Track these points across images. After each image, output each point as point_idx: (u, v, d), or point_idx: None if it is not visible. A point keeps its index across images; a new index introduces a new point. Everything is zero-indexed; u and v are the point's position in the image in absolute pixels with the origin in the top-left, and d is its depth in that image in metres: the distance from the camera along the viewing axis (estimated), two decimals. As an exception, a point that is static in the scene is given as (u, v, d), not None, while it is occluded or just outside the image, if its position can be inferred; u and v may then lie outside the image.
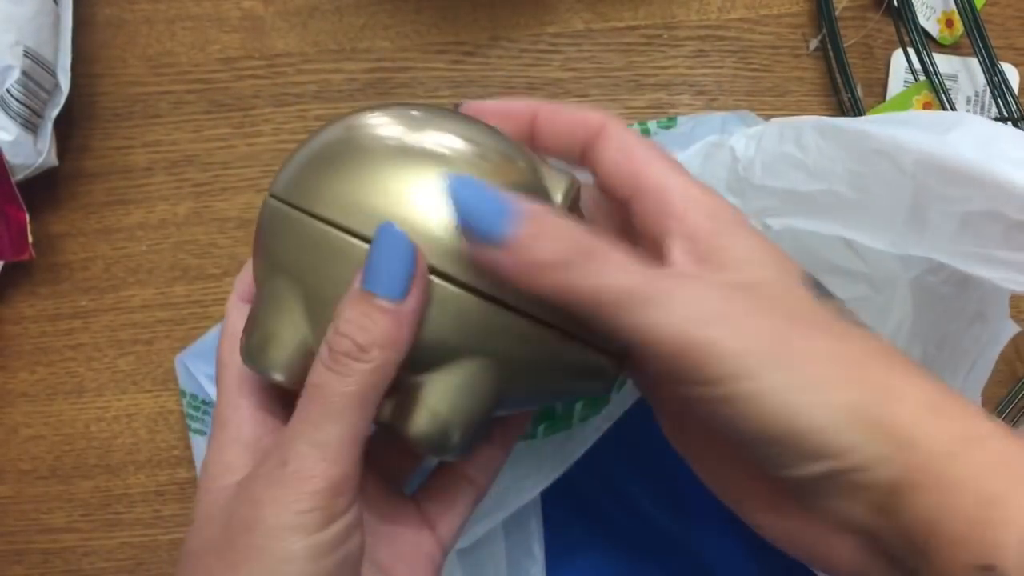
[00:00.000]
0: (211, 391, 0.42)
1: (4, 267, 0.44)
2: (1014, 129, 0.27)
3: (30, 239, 0.43)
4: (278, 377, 0.25)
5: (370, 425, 0.24)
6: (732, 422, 0.22)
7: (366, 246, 0.23)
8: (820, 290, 0.24)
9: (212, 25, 0.46)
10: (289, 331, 0.25)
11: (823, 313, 0.23)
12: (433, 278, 0.24)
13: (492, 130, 0.26)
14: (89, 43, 0.46)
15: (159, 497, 0.45)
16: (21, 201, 0.42)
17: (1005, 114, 0.43)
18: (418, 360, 0.24)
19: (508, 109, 0.27)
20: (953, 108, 0.43)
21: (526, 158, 0.25)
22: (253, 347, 0.26)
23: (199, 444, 0.42)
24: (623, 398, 0.35)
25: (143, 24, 0.46)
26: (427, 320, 0.24)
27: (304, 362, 0.24)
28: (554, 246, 0.22)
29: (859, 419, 0.21)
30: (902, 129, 0.28)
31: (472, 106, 0.27)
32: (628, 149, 0.25)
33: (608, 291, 0.22)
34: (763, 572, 0.42)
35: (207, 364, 0.42)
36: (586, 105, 0.26)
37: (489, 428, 0.28)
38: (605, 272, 0.22)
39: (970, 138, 0.27)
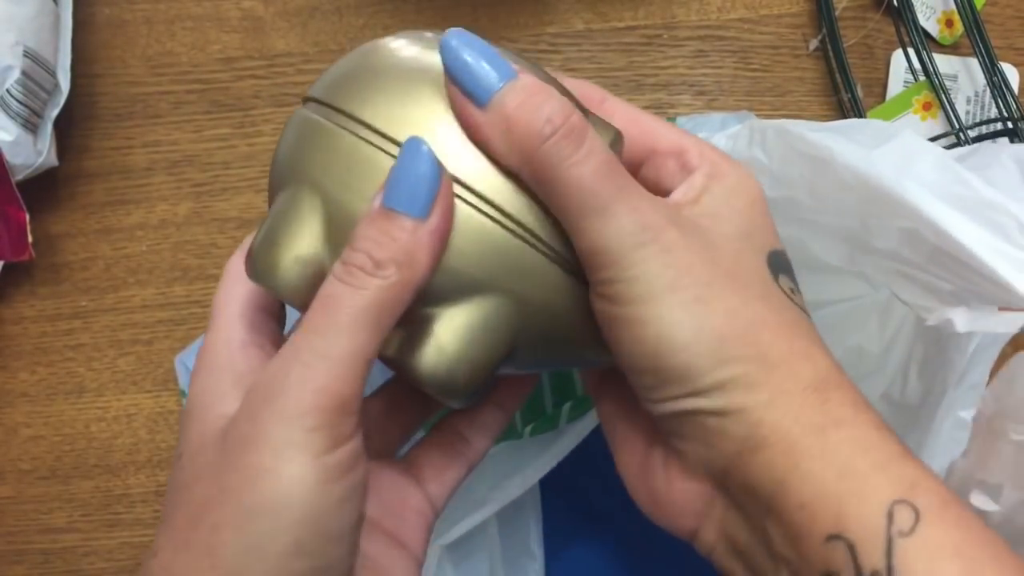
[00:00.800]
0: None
1: (4, 267, 0.44)
2: (941, 152, 0.27)
3: (30, 239, 0.43)
4: (287, 292, 0.23)
5: (378, 348, 0.22)
6: (621, 342, 0.23)
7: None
8: (781, 271, 0.25)
9: (212, 25, 0.46)
10: (305, 244, 0.23)
11: (762, 283, 0.24)
12: (463, 204, 0.23)
13: (543, 71, 0.25)
14: (89, 43, 0.46)
15: (159, 497, 0.45)
16: (21, 201, 0.42)
17: (1005, 114, 0.43)
18: (435, 290, 0.23)
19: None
20: (953, 108, 0.43)
21: (576, 102, 0.25)
22: (263, 259, 0.24)
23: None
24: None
25: (143, 24, 0.46)
26: (450, 247, 0.23)
27: (317, 283, 0.23)
28: (536, 116, 0.22)
29: (734, 371, 0.22)
30: (840, 139, 0.28)
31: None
32: (634, 116, 0.26)
33: (569, 185, 0.22)
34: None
35: (207, 364, 0.42)
36: (582, 79, 0.26)
37: (494, 384, 0.27)
38: (574, 162, 0.22)
39: (893, 156, 0.27)
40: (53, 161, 0.43)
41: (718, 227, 0.24)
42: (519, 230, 0.23)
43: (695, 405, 0.22)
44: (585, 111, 0.25)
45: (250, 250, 0.24)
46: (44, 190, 0.45)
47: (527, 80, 0.23)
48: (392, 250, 0.22)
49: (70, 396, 0.45)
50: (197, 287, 0.45)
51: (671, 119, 0.42)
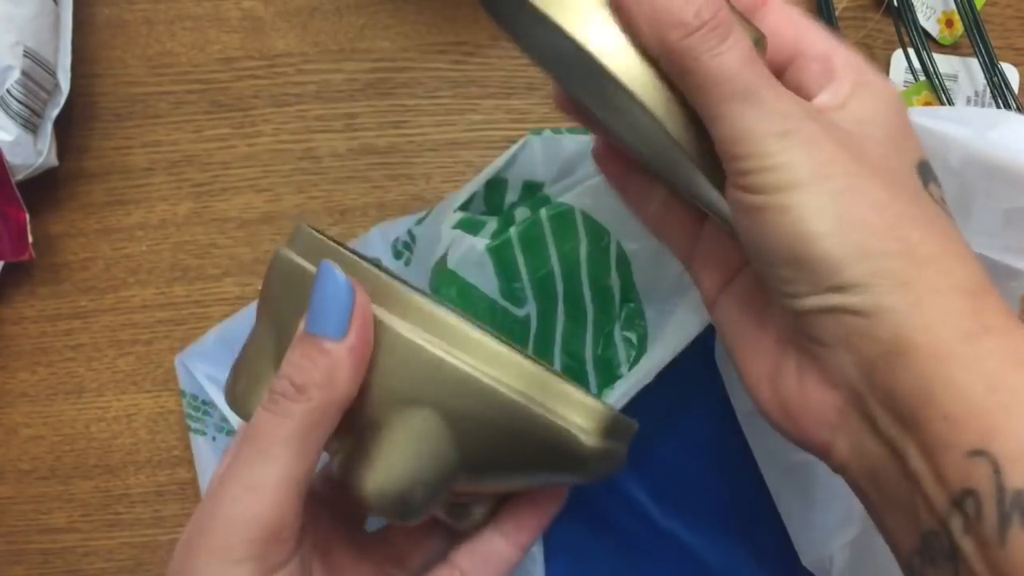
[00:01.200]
0: (211, 391, 0.42)
1: (4, 267, 0.44)
2: None
3: (30, 239, 0.43)
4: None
5: (312, 470, 0.23)
6: (761, 235, 0.22)
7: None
8: (931, 179, 0.24)
9: (212, 25, 0.46)
10: (265, 370, 0.24)
11: (912, 186, 0.23)
12: (383, 320, 0.23)
13: None
14: (89, 43, 0.46)
15: (159, 497, 0.45)
16: (21, 201, 0.42)
17: (1005, 114, 0.43)
18: (365, 409, 0.23)
19: None
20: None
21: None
22: (237, 391, 0.25)
23: (199, 444, 0.42)
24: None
25: (143, 24, 0.46)
26: (375, 365, 0.23)
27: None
28: (686, 7, 0.22)
29: (880, 266, 0.21)
30: (950, 125, 0.28)
31: None
32: (791, 16, 0.26)
33: (711, 74, 0.22)
34: (762, 573, 0.42)
35: (207, 364, 0.42)
36: None
37: (451, 494, 0.26)
38: (717, 52, 0.22)
39: (1015, 136, 0.27)
40: (53, 161, 0.43)
41: (865, 131, 0.23)
42: (445, 347, 0.23)
43: (836, 302, 0.21)
44: (732, 7, 0.25)
45: (226, 385, 0.26)
46: (44, 190, 0.45)
47: None
48: (312, 374, 0.22)
49: (70, 396, 0.45)
50: (197, 287, 0.45)
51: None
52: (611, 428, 0.25)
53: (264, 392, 0.24)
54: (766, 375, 0.25)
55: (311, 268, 0.24)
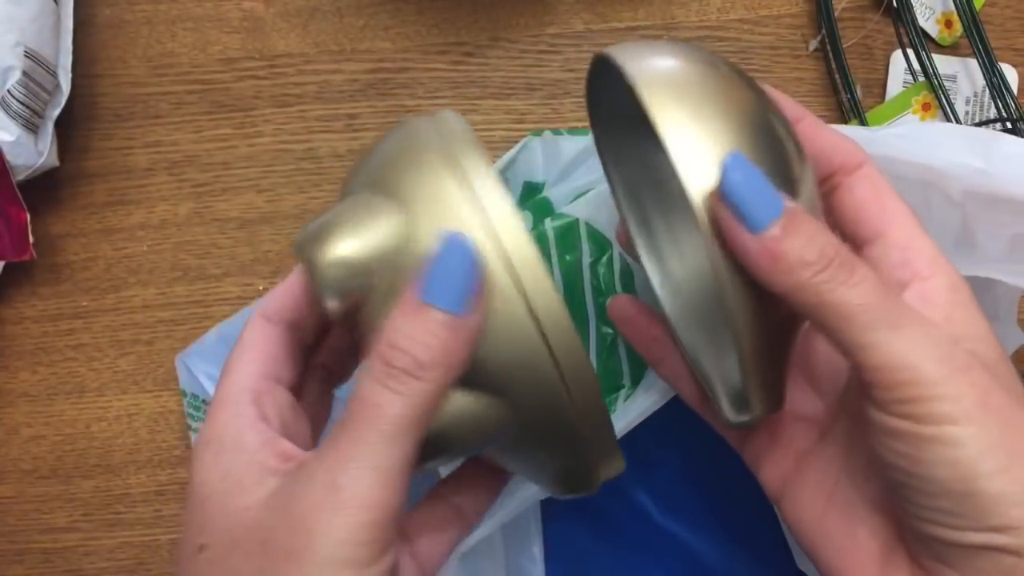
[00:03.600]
0: (212, 391, 0.42)
1: (5, 267, 0.44)
2: None
3: (31, 239, 0.43)
4: (320, 287, 0.22)
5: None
6: (924, 463, 0.22)
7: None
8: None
9: (213, 26, 0.46)
10: (362, 250, 0.22)
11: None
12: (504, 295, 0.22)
13: (780, 118, 0.25)
14: (90, 44, 0.46)
15: (160, 497, 0.45)
16: (22, 201, 0.43)
17: (1004, 115, 0.43)
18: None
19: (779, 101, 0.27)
20: (952, 109, 0.43)
21: (795, 141, 0.25)
22: (313, 240, 0.22)
23: (200, 444, 0.42)
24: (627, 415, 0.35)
25: (144, 25, 0.46)
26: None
27: (349, 301, 0.22)
28: (810, 248, 0.22)
29: None
30: (942, 155, 0.28)
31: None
32: (881, 192, 0.26)
33: (850, 304, 0.22)
34: (761, 574, 0.42)
35: (208, 364, 0.42)
36: (846, 135, 0.26)
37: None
38: (851, 284, 0.22)
39: (1013, 163, 0.28)
40: (54, 161, 0.43)
41: (978, 348, 0.24)
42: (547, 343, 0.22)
43: (1001, 543, 0.21)
44: (801, 151, 0.25)
45: (306, 227, 0.23)
46: (45, 190, 0.45)
47: (797, 211, 0.22)
48: (436, 351, 0.21)
49: (71, 396, 0.45)
50: (198, 287, 0.45)
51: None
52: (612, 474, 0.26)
53: (344, 267, 0.22)
54: (864, 567, 0.25)
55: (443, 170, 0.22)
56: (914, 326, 0.22)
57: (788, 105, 0.26)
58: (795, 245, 0.22)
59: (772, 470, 0.28)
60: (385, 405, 0.21)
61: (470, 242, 0.22)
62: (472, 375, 0.22)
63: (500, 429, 0.23)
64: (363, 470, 0.21)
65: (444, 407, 0.22)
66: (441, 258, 0.21)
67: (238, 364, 0.25)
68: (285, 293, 0.26)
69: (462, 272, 0.21)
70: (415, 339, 0.21)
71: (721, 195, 0.22)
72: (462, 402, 0.23)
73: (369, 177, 0.24)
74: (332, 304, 0.23)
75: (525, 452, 0.25)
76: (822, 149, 0.26)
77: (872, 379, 0.22)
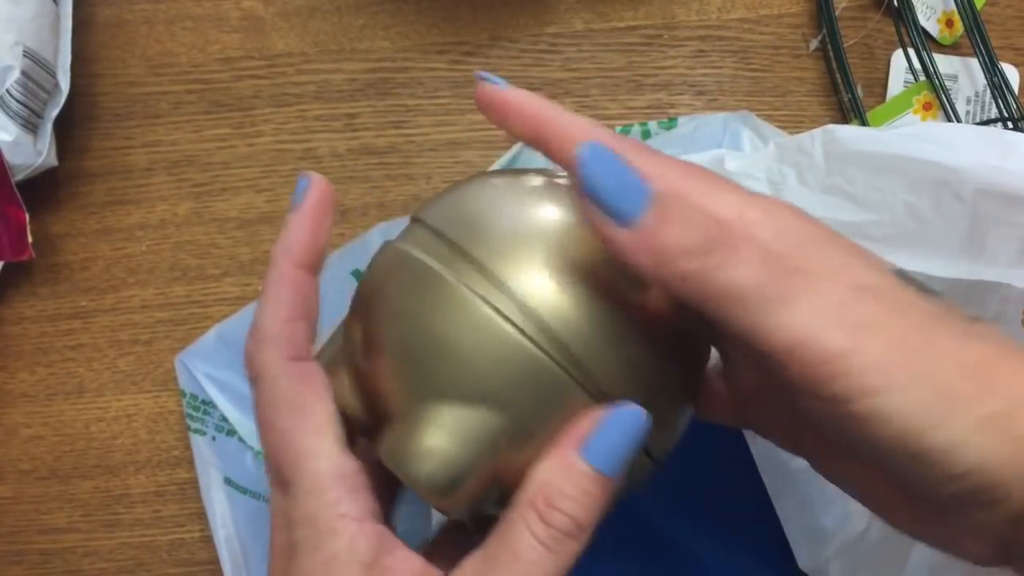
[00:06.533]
0: (211, 391, 0.42)
1: (4, 267, 0.44)
2: None
3: (30, 239, 0.43)
4: (464, 515, 0.23)
5: None
6: (865, 440, 0.20)
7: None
8: (919, 285, 0.22)
9: (212, 25, 0.46)
10: (480, 463, 0.22)
11: (937, 313, 0.21)
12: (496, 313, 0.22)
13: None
14: (89, 43, 0.46)
15: (159, 497, 0.45)
16: (21, 201, 0.42)
17: (1005, 114, 0.43)
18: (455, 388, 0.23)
19: (520, 109, 0.26)
20: (953, 108, 0.43)
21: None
22: (440, 481, 0.22)
23: (199, 444, 0.42)
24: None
25: (143, 24, 0.46)
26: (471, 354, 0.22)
27: (483, 490, 0.23)
28: (687, 232, 0.20)
29: (998, 435, 0.19)
30: (956, 153, 0.28)
31: (489, 92, 0.26)
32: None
33: (733, 285, 0.20)
34: (762, 575, 0.42)
35: (207, 364, 0.42)
36: (582, 118, 0.24)
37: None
38: (733, 264, 0.20)
39: None
40: (53, 161, 0.43)
41: (861, 276, 0.21)
42: (560, 361, 0.22)
43: (968, 485, 0.20)
44: None
45: (413, 468, 0.23)
46: (44, 190, 0.45)
47: (666, 193, 0.21)
48: (592, 512, 0.22)
49: (70, 396, 0.45)
50: (197, 287, 0.45)
51: (672, 120, 0.42)
52: None
53: (474, 483, 0.22)
54: (898, 515, 0.24)
55: (451, 278, 0.23)
56: (802, 292, 0.20)
57: (526, 108, 0.26)
58: (672, 233, 0.20)
59: (784, 436, 0.27)
60: (538, 563, 0.22)
61: (642, 412, 0.22)
62: (481, 392, 0.23)
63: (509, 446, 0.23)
64: None
65: None
66: (612, 423, 0.22)
67: (307, 444, 0.24)
68: (302, 229, 0.26)
69: (634, 441, 0.22)
70: (575, 500, 0.22)
71: (582, 190, 0.21)
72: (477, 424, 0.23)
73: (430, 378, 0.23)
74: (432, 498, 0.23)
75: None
76: (554, 138, 0.24)
77: (775, 366, 0.20)
